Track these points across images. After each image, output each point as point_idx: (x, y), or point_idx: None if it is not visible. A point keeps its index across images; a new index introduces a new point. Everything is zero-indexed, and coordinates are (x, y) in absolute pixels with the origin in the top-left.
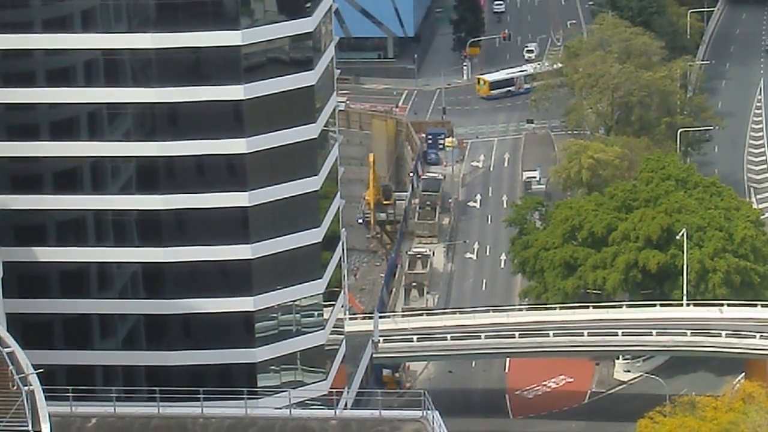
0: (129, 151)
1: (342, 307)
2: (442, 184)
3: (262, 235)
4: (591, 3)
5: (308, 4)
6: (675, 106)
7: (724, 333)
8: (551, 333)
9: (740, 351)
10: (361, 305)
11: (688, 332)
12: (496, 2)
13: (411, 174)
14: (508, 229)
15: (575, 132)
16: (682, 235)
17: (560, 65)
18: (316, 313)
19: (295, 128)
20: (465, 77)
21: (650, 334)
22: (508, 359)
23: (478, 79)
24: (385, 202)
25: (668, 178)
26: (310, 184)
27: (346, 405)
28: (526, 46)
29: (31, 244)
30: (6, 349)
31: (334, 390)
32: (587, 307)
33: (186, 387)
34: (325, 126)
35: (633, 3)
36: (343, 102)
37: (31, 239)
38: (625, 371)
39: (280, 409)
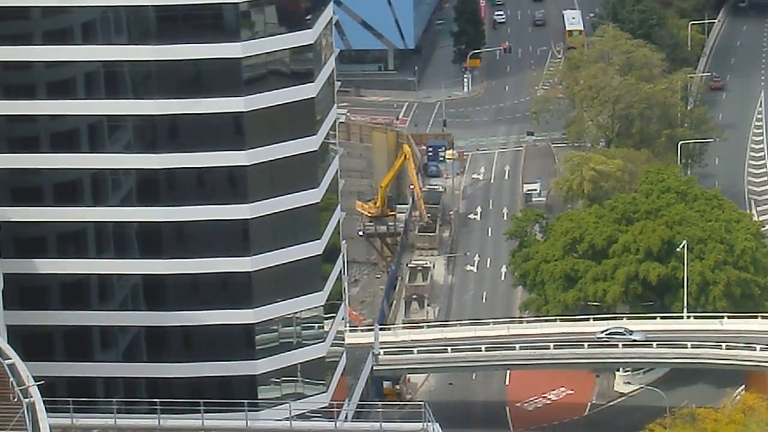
0: (129, 163)
1: (342, 319)
2: (443, 196)
3: (263, 248)
4: (592, 15)
5: (309, 17)
6: (675, 118)
7: (724, 345)
8: (552, 345)
9: (740, 363)
10: (361, 316)
11: (689, 344)
12: (497, 12)
13: (411, 186)
14: (508, 242)
15: (576, 144)
16: (683, 247)
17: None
18: (316, 325)
19: (295, 140)
20: (465, 89)
21: (651, 346)
22: (508, 371)
23: (570, 31)
24: (389, 213)
25: (669, 190)
26: (311, 197)
27: (346, 417)
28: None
29: (32, 256)
30: (7, 361)
31: (335, 402)
32: (588, 319)
33: (187, 399)
34: (325, 138)
35: (634, 15)
36: (343, 114)
37: (31, 251)
38: (625, 383)
39: (281, 421)
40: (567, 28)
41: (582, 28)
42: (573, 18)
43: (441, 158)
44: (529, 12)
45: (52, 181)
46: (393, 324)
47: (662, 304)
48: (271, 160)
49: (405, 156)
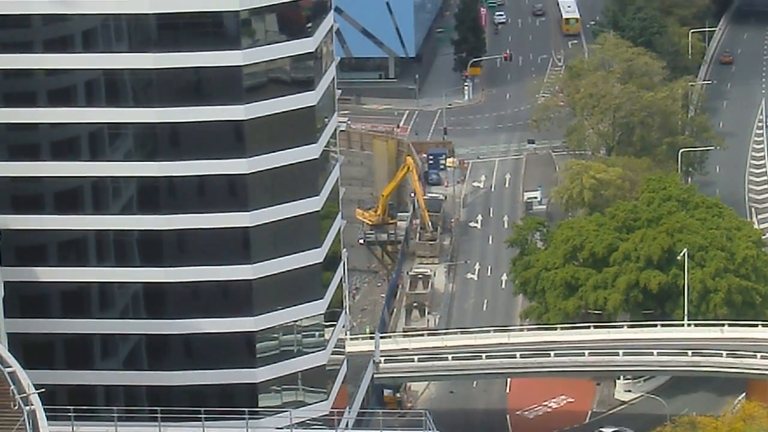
0: (130, 171)
1: (343, 327)
2: (443, 204)
3: (264, 256)
4: (592, 23)
5: (309, 25)
6: (676, 126)
7: (724, 353)
8: (552, 353)
9: (741, 371)
10: None
11: (689, 352)
12: (498, 13)
13: (412, 194)
14: (509, 250)
15: (576, 152)
16: (683, 255)
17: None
18: (317, 333)
19: (296, 148)
20: (466, 97)
21: (651, 354)
22: (509, 379)
23: (567, 19)
24: (390, 221)
25: (669, 198)
26: (312, 205)
27: (347, 425)
28: None
29: (33, 264)
30: (7, 369)
31: (335, 410)
32: (588, 327)
33: (187, 407)
34: (326, 146)
35: (634, 23)
36: (344, 122)
37: (32, 259)
38: (625, 391)
39: (281, 429)
40: (564, 17)
41: (578, 16)
42: (569, 6)
43: (442, 166)
44: (530, 20)
45: (52, 189)
46: (394, 332)
47: (663, 312)
48: (271, 168)
49: (408, 168)
